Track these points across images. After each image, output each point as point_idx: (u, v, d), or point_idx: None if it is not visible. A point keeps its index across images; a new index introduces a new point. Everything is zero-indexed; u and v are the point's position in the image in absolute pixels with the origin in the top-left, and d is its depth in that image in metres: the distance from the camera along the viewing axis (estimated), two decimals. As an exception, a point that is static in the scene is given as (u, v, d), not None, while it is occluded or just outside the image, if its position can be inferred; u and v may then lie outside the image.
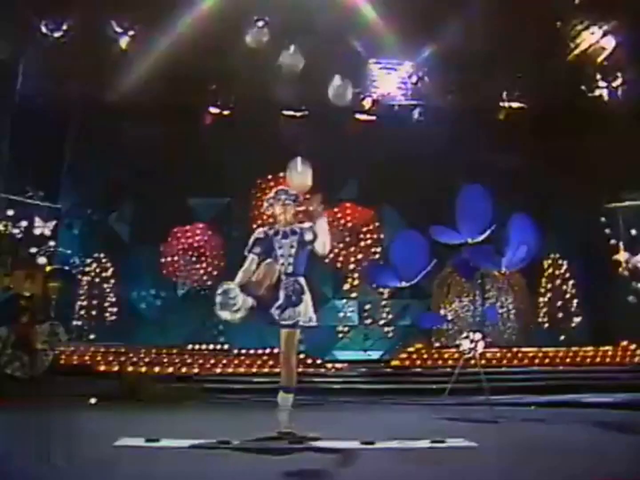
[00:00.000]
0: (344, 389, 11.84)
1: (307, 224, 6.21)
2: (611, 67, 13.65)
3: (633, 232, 14.11)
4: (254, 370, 12.78)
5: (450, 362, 12.40)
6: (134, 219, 15.87)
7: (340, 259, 15.68)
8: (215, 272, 15.21)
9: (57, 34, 12.71)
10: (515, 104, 14.96)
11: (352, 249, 15.69)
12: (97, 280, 15.43)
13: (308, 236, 6.07)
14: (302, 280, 6.05)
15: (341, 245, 15.64)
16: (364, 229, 15.82)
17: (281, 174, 15.64)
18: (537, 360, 13.12)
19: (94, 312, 15.25)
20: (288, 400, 5.94)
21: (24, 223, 13.70)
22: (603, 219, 14.55)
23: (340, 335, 15.71)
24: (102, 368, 12.26)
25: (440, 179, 14.43)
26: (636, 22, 12.26)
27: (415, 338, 14.07)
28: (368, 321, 15.77)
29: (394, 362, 13.33)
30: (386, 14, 12.52)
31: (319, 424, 6.66)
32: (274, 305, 5.89)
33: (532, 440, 5.97)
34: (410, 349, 13.50)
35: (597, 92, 14.11)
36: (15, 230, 13.56)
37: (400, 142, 14.67)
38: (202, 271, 15.41)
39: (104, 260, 15.52)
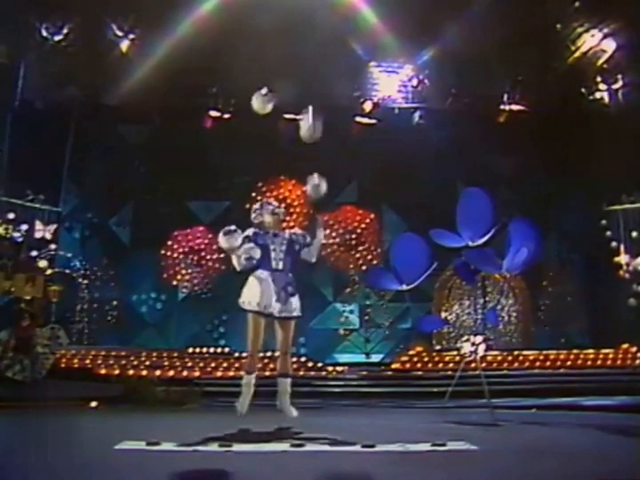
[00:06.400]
0: (345, 392, 11.84)
1: (298, 230, 6.66)
2: (611, 69, 13.66)
3: (634, 234, 14.10)
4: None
5: (451, 365, 12.40)
6: (135, 222, 15.87)
7: (341, 262, 15.70)
8: (215, 276, 15.20)
9: (57, 38, 12.76)
10: (515, 107, 14.98)
11: (353, 252, 15.69)
12: (97, 283, 15.43)
13: (303, 239, 6.49)
14: (291, 275, 6.39)
15: (342, 248, 15.65)
16: (365, 232, 15.82)
17: (281, 177, 15.83)
18: (537, 363, 13.10)
19: (94, 316, 15.22)
20: (288, 385, 6.37)
21: (24, 226, 13.73)
22: (604, 221, 14.53)
23: (341, 338, 15.72)
24: (102, 372, 12.23)
25: (441, 182, 14.45)
26: (636, 25, 12.27)
27: (416, 341, 14.06)
28: (369, 324, 15.78)
29: (395, 365, 13.31)
30: (387, 17, 12.56)
31: (320, 427, 6.65)
32: (269, 300, 6.21)
33: (533, 443, 5.96)
34: (411, 352, 13.49)
35: (597, 95, 14.13)
36: (16, 234, 13.58)
37: (400, 145, 14.68)
38: (202, 274, 15.41)
39: (104, 264, 15.52)
